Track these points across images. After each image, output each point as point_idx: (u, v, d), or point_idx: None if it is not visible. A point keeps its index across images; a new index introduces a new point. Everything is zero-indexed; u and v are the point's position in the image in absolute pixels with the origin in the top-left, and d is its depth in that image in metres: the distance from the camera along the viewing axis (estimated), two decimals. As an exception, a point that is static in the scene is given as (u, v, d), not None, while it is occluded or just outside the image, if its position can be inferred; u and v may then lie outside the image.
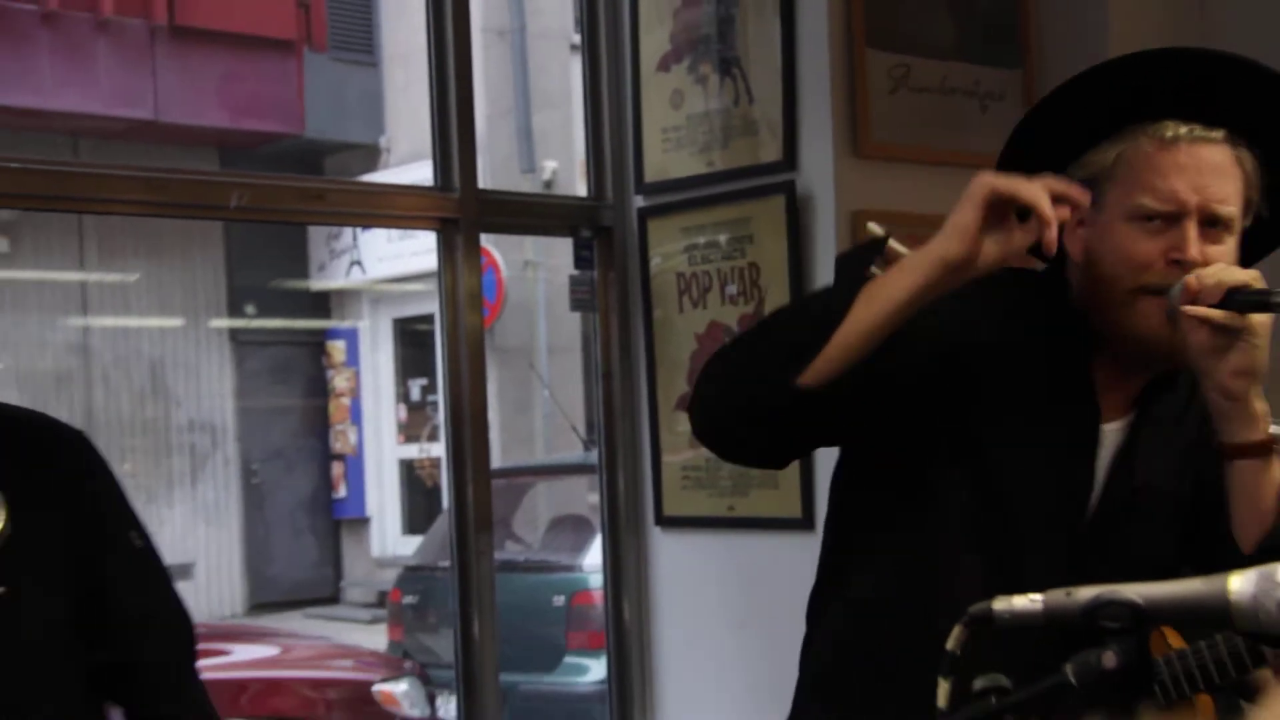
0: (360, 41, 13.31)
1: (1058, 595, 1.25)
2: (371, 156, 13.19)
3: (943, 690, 1.24)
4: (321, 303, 14.06)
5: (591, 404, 4.38)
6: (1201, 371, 1.74)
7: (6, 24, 10.73)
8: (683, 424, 3.40)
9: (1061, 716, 1.27)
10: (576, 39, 5.81)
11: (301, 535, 13.69)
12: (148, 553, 1.89)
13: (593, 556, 6.23)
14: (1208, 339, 1.70)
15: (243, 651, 5.88)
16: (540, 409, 12.42)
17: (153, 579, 1.91)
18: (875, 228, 3.22)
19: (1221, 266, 1.72)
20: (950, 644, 1.25)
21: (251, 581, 13.19)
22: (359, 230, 12.71)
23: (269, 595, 13.11)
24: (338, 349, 13.99)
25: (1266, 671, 1.89)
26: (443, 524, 6.93)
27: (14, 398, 2.03)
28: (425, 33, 3.33)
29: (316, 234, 13.54)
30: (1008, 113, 3.26)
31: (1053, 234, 1.64)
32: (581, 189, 3.75)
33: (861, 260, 1.79)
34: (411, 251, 11.97)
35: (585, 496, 7.31)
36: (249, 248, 12.93)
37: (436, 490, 12.67)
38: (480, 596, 3.26)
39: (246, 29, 11.76)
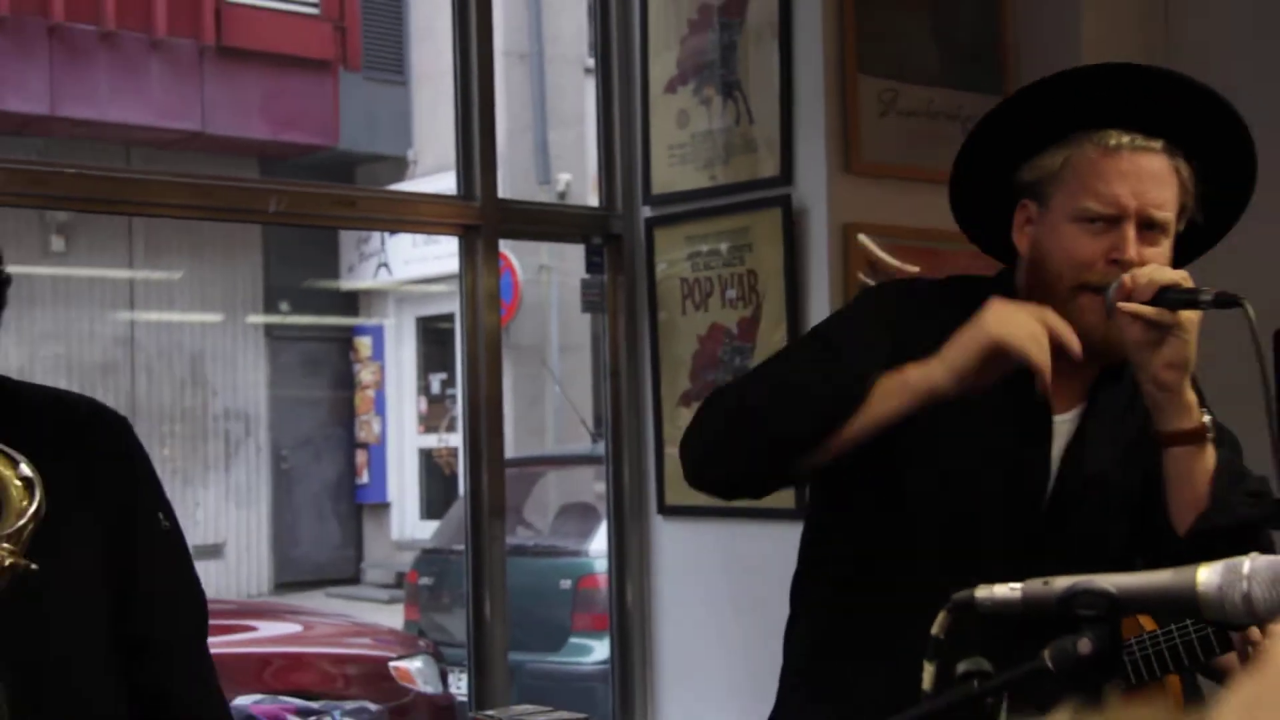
0: (391, 62, 13.30)
1: (1035, 585, 1.24)
2: (399, 168, 13.17)
3: (928, 673, 1.22)
4: (350, 301, 14.06)
5: (599, 399, 4.37)
6: (1136, 364, 1.74)
7: (68, 43, 10.77)
8: (684, 419, 3.38)
9: (1036, 699, 1.25)
10: (590, 63, 5.80)
11: (326, 519, 13.67)
12: (173, 534, 1.88)
13: (598, 542, 6.20)
14: (1141, 333, 1.71)
15: (267, 628, 5.85)
16: (551, 403, 12.41)
17: (175, 559, 1.90)
18: (866, 240, 3.22)
19: (1155, 266, 1.73)
20: (935, 629, 1.23)
21: (278, 561, 13.17)
22: (387, 235, 12.70)
23: (294, 575, 13.08)
24: (364, 344, 13.98)
25: (1232, 655, 1.88)
26: (458, 509, 6.90)
27: (64, 384, 2.03)
28: (452, 55, 3.32)
29: (347, 238, 13.53)
30: (990, 136, 3.24)
31: (1046, 382, 1.66)
32: (593, 200, 3.74)
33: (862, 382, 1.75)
34: (435, 255, 11.97)
35: (592, 486, 7.28)
36: (285, 250, 12.92)
37: (453, 478, 12.65)
38: (492, 579, 3.24)
39: (287, 50, 11.79)
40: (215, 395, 12.75)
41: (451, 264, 3.43)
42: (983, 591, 1.25)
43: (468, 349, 3.28)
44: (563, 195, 12.12)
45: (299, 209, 3.20)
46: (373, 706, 4.74)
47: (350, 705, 4.72)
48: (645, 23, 3.46)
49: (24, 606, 1.59)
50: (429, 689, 5.71)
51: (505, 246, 3.61)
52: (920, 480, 1.81)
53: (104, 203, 3.03)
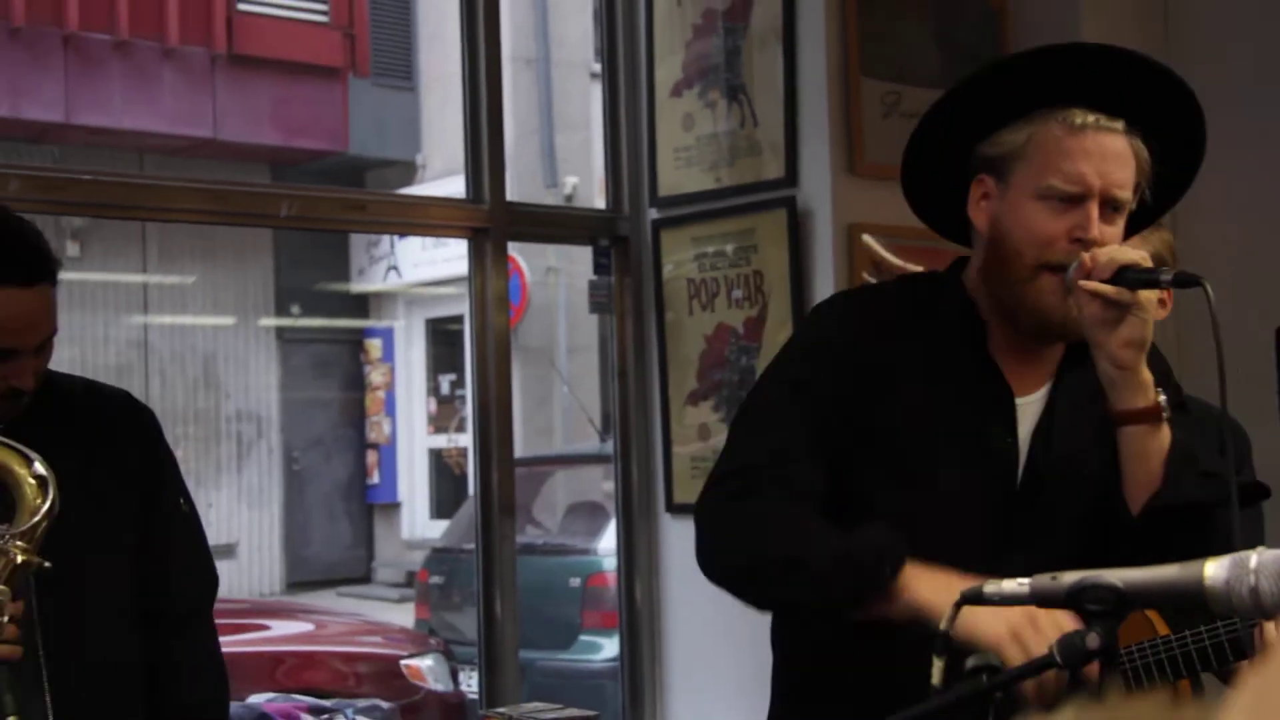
0: (400, 68, 13.30)
1: (1043, 579, 1.23)
2: (408, 172, 13.17)
3: (937, 668, 1.21)
4: (361, 304, 14.05)
5: (607, 399, 4.37)
6: (1094, 343, 1.73)
7: (82, 52, 10.80)
8: (691, 418, 3.38)
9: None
10: (597, 67, 5.79)
11: (337, 518, 13.66)
12: (191, 518, 2.05)
13: (607, 541, 6.20)
14: (1100, 312, 1.69)
15: (280, 627, 5.84)
16: (559, 403, 12.40)
17: (192, 540, 2.05)
18: (870, 240, 3.21)
19: (1115, 246, 1.72)
20: (944, 625, 1.22)
21: (290, 561, 13.16)
22: (396, 238, 12.70)
23: (305, 574, 13.08)
24: (375, 346, 13.98)
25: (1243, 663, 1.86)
26: (468, 509, 6.90)
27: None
28: (460, 61, 3.32)
29: (357, 241, 13.53)
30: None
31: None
32: (600, 202, 3.73)
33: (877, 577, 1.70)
34: (444, 258, 11.95)
35: (600, 484, 7.27)
36: (296, 253, 12.93)
37: (463, 477, 12.65)
38: (502, 577, 3.24)
39: (297, 57, 11.80)
40: (228, 397, 12.76)
41: (460, 266, 3.43)
42: (991, 586, 1.24)
43: (477, 350, 3.27)
44: (570, 198, 12.11)
45: (310, 213, 3.20)
46: (384, 704, 4.73)
47: (362, 703, 4.71)
48: (650, 27, 3.45)
49: (65, 580, 1.72)
50: (440, 687, 5.70)
51: (513, 249, 3.61)
52: (885, 488, 1.79)
53: (118, 208, 3.04)
